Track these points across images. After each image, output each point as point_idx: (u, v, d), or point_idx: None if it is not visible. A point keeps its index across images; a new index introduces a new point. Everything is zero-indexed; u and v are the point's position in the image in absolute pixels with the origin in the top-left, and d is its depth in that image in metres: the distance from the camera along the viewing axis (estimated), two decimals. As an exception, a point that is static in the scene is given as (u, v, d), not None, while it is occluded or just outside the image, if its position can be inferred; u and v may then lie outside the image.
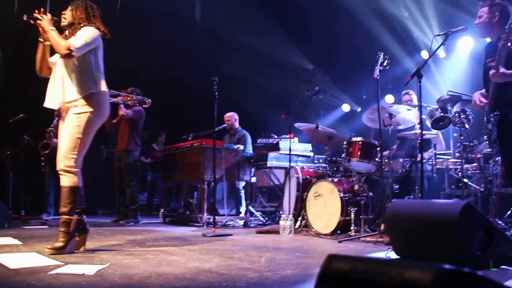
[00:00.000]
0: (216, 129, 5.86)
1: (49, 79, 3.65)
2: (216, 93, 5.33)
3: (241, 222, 6.43)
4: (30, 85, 6.57)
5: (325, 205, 4.85)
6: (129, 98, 6.29)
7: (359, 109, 9.73)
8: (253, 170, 6.90)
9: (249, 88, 9.71)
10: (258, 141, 7.19)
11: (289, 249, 3.88)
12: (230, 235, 4.98)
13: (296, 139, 6.98)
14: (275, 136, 7.06)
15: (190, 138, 7.17)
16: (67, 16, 3.64)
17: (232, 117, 7.34)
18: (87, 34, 3.52)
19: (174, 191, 9.33)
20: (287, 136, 6.58)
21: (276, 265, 2.97)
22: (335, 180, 4.92)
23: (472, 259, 2.56)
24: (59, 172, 3.46)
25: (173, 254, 3.49)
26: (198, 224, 6.23)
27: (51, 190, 7.55)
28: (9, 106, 7.89)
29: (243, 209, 6.89)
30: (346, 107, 9.75)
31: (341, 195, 4.71)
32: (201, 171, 6.23)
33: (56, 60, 3.64)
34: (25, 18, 3.51)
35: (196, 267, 2.89)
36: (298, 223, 5.32)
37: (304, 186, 5.40)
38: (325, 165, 5.40)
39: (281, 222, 5.03)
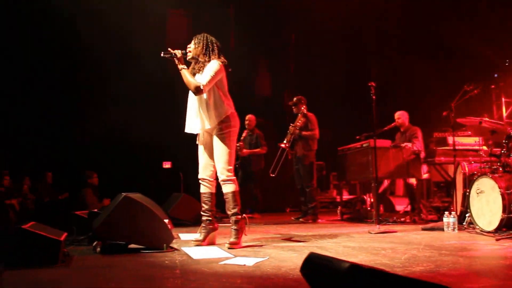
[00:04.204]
0: (385, 129, 6.16)
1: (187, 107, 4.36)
2: (374, 97, 5.62)
3: (412, 218, 6.55)
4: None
5: (488, 202, 4.76)
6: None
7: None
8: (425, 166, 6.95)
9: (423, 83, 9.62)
10: (434, 136, 7.22)
11: (439, 246, 4.01)
12: (394, 232, 5.23)
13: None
14: (449, 131, 6.97)
15: (362, 139, 7.51)
16: (191, 49, 4.28)
17: (402, 115, 7.44)
18: (212, 69, 4.12)
19: (351, 189, 9.72)
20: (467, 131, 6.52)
21: (413, 262, 3.21)
22: (497, 176, 4.79)
23: None
24: (221, 182, 4.20)
25: (328, 249, 3.95)
26: (371, 221, 6.54)
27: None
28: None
29: (415, 205, 6.96)
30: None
31: (502, 191, 4.59)
32: (370, 170, 6.53)
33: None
34: (162, 55, 4.20)
35: (339, 262, 3.31)
36: (465, 220, 5.28)
37: (469, 182, 5.33)
38: (489, 160, 5.25)
39: (444, 219, 5.10)
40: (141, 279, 2.81)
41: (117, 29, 8.79)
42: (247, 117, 8.24)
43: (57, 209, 8.01)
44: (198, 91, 4.09)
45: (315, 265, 1.75)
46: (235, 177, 4.23)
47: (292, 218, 7.63)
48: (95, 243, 3.99)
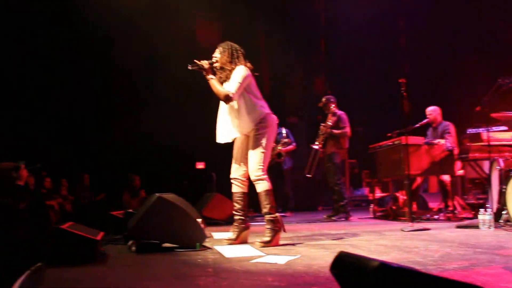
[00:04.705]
0: (417, 125, 6.13)
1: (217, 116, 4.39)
2: (404, 94, 5.58)
3: (446, 216, 6.44)
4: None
5: (525, 199, 4.66)
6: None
7: None
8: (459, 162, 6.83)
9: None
10: (468, 131, 7.09)
11: (474, 244, 3.93)
12: (428, 229, 5.16)
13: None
14: (483, 126, 6.83)
15: (394, 136, 7.43)
16: (218, 58, 4.29)
17: (434, 111, 7.32)
18: (239, 75, 4.15)
19: (384, 186, 9.64)
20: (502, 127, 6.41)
21: (446, 260, 3.17)
22: (533, 172, 4.68)
23: None
24: (254, 182, 4.23)
25: (359, 247, 3.94)
26: (404, 218, 6.48)
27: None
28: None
29: (449, 202, 6.84)
30: None
31: (539, 188, 4.48)
32: (403, 167, 6.46)
33: None
34: (189, 67, 4.22)
35: (371, 259, 3.31)
36: (502, 217, 5.17)
37: (505, 178, 5.21)
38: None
39: (479, 216, 5.01)
40: (174, 277, 2.88)
41: (151, 36, 8.99)
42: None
43: (94, 210, 8.24)
44: (228, 99, 4.13)
45: (344, 264, 1.76)
46: (267, 176, 4.25)
47: (324, 216, 7.61)
48: (130, 242, 4.10)
